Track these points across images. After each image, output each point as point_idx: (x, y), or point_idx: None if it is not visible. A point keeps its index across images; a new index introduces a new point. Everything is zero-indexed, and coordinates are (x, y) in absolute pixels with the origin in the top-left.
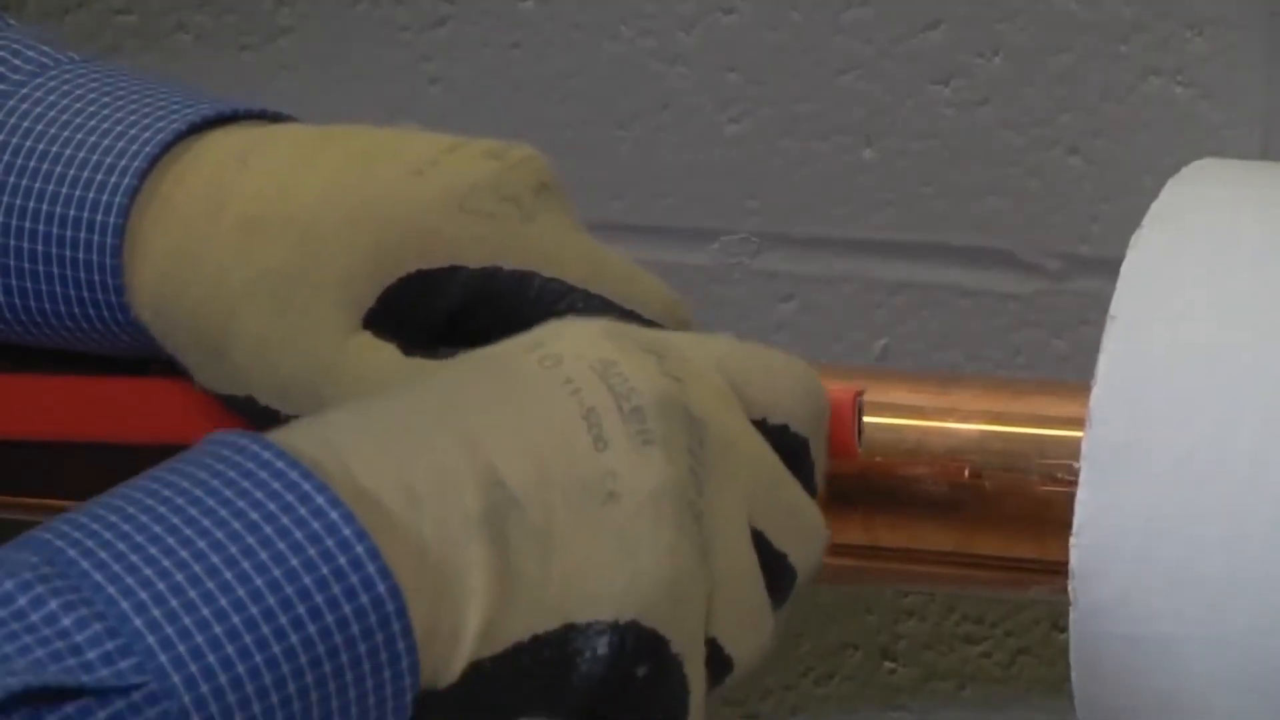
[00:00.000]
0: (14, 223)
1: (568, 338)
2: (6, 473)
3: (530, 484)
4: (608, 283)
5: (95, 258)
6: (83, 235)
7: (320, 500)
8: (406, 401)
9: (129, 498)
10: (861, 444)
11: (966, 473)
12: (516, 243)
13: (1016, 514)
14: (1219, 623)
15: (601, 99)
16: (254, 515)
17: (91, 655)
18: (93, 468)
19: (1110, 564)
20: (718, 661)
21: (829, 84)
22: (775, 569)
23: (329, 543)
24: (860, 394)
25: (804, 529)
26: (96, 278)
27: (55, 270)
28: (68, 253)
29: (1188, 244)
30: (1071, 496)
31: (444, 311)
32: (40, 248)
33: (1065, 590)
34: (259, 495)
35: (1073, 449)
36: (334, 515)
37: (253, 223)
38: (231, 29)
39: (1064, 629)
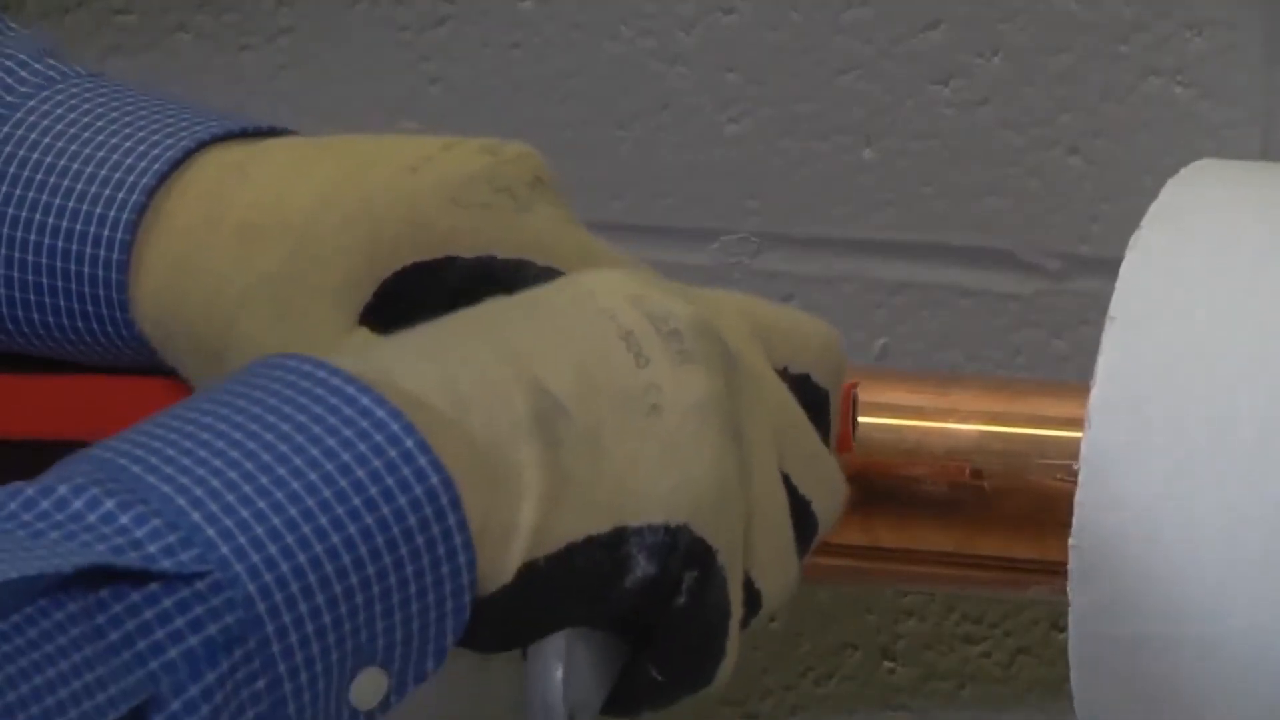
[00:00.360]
0: (19, 235)
1: (596, 278)
2: (6, 473)
3: (575, 394)
4: None
5: (101, 273)
6: (89, 250)
7: (365, 400)
8: (445, 326)
9: (173, 414)
10: (856, 438)
11: (966, 473)
12: (511, 233)
13: (1016, 514)
14: (1218, 623)
15: (601, 99)
16: (300, 417)
17: (153, 548)
18: None
19: (1109, 564)
20: (749, 595)
21: (829, 84)
22: (801, 513)
23: (378, 438)
24: (854, 386)
25: (826, 480)
26: (101, 293)
27: (60, 284)
28: (73, 267)
29: (1187, 244)
30: (1071, 497)
31: (441, 303)
32: (45, 261)
33: (1065, 590)
34: (304, 400)
35: (1072, 450)
36: (380, 413)
37: (251, 230)
38: (231, 29)
39: (1064, 629)
